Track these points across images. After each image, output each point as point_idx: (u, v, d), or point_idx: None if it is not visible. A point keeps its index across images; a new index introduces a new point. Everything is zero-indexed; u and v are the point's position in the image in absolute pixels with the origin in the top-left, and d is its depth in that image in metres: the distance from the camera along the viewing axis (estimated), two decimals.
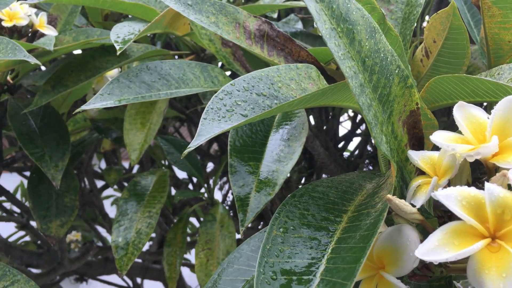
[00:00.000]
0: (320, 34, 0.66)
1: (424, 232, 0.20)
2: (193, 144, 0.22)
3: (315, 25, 0.83)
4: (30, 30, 0.60)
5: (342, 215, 0.21)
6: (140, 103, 0.51)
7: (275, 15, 0.70)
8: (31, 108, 0.49)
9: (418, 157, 0.22)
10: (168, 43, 0.81)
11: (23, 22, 0.57)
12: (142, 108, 0.50)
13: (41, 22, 0.59)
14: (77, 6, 0.64)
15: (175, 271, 0.52)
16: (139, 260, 1.58)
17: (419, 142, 0.26)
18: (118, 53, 0.38)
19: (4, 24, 0.56)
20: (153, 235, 1.36)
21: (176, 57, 0.62)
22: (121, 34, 0.42)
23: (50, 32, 0.60)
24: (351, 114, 1.04)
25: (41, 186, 0.56)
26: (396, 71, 0.22)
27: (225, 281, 0.28)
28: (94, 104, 0.35)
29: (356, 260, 0.17)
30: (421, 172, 0.23)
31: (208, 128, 0.23)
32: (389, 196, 0.18)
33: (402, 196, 0.22)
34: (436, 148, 0.23)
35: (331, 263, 0.18)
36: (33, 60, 0.40)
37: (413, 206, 0.20)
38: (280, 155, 0.35)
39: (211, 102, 0.25)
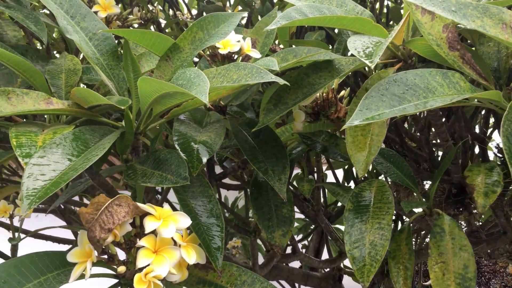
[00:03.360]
0: None
1: None
2: None
3: None
4: (237, 55, 0.66)
5: None
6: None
7: None
8: (260, 127, 0.53)
9: None
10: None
11: (236, 48, 0.62)
12: None
13: (248, 46, 0.64)
14: (274, 29, 0.68)
15: (406, 283, 0.51)
16: (297, 267, 1.62)
17: None
18: (372, 66, 0.39)
19: (220, 51, 0.62)
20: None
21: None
22: (358, 48, 0.43)
23: (256, 55, 0.65)
24: None
25: (260, 198, 0.60)
26: None
27: None
28: (357, 120, 0.36)
29: None
30: None
31: None
32: None
33: None
34: None
35: None
36: (281, 81, 0.43)
37: None
38: None
39: None
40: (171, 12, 1.39)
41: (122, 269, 0.42)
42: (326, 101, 0.59)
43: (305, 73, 0.55)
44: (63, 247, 1.13)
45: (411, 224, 0.56)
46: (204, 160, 0.51)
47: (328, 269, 1.48)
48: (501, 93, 0.40)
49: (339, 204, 1.42)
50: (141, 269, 0.42)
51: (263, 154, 0.57)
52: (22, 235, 0.92)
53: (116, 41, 0.82)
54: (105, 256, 0.44)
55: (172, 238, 0.44)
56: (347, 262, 1.68)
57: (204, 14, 1.27)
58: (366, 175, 0.82)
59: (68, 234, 1.20)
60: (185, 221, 0.45)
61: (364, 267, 0.46)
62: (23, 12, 0.65)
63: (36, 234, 1.04)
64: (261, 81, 0.44)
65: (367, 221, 0.49)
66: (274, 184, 0.54)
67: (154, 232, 0.44)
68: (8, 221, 1.15)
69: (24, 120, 0.57)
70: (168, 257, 0.43)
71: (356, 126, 0.51)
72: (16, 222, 0.99)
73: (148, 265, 0.42)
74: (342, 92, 0.62)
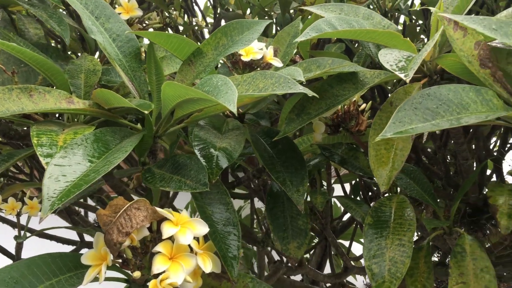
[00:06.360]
0: None
1: None
2: None
3: None
4: (259, 63, 0.65)
5: None
6: (381, 129, 0.50)
7: None
8: (281, 136, 0.52)
9: None
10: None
11: (258, 56, 0.62)
12: None
13: (270, 55, 0.64)
14: (295, 38, 0.68)
15: None
16: (299, 279, 1.60)
17: None
18: (407, 80, 0.38)
19: (243, 58, 0.62)
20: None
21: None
22: (390, 61, 0.42)
23: (277, 64, 0.64)
24: None
25: (276, 208, 0.59)
26: None
27: None
28: (389, 132, 0.35)
29: None
30: None
31: None
32: None
33: None
34: None
35: None
36: (310, 93, 0.43)
37: None
38: None
39: None
40: (186, 18, 1.40)
41: (137, 274, 0.41)
42: (347, 113, 0.59)
43: (329, 84, 0.55)
44: (67, 248, 1.12)
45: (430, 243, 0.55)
46: (224, 167, 0.50)
47: (329, 284, 1.46)
48: None
49: (344, 218, 1.41)
50: (155, 275, 0.41)
51: (281, 164, 0.56)
52: (28, 234, 0.91)
53: None
54: (120, 260, 0.43)
55: (188, 245, 0.43)
56: (350, 278, 1.65)
57: (223, 21, 1.27)
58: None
59: (72, 235, 1.19)
60: (203, 228, 0.44)
61: (383, 283, 0.44)
62: (47, 11, 0.64)
63: (40, 234, 1.03)
64: (288, 91, 0.43)
65: (387, 236, 0.48)
66: (292, 195, 0.53)
67: (170, 238, 0.43)
68: (9, 218, 1.14)
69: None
70: (184, 265, 0.42)
71: (380, 140, 0.50)
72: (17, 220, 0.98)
73: (164, 271, 0.41)
74: (363, 105, 0.61)
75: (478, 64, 0.45)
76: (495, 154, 0.82)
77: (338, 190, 1.26)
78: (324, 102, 0.53)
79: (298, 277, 1.79)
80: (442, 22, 0.45)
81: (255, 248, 1.35)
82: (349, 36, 0.48)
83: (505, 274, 0.74)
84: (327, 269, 1.56)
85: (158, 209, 0.43)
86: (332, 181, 1.32)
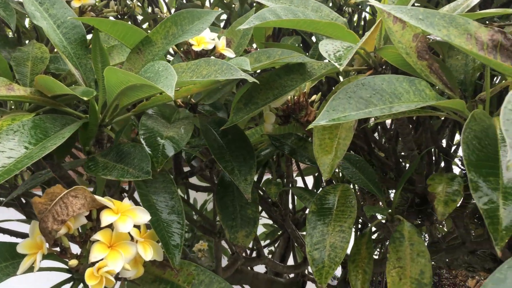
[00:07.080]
0: None
1: None
2: None
3: None
4: (210, 53, 0.65)
5: None
6: None
7: None
8: (229, 125, 0.52)
9: None
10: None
11: (210, 46, 0.62)
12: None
13: (222, 45, 0.64)
14: (250, 30, 0.68)
15: (364, 287, 0.51)
16: (262, 271, 1.61)
17: None
18: (341, 69, 0.39)
19: (194, 48, 0.61)
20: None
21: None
22: (329, 51, 0.43)
23: (230, 54, 0.64)
24: None
25: (226, 198, 0.59)
26: None
27: None
28: (323, 120, 0.36)
29: None
30: None
31: None
32: None
33: None
34: None
35: None
36: (251, 79, 0.43)
37: None
38: None
39: None
40: (149, 9, 1.38)
41: (73, 262, 0.41)
42: (297, 104, 0.60)
43: (277, 75, 0.55)
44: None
45: (373, 231, 0.57)
46: (170, 155, 0.50)
47: (293, 275, 1.48)
48: (464, 102, 0.41)
49: (307, 210, 1.43)
50: (94, 264, 0.41)
51: (230, 153, 0.56)
52: None
53: (89, 35, 0.80)
54: (57, 249, 0.42)
55: (129, 233, 0.43)
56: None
57: None
58: (334, 181, 0.83)
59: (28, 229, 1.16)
60: (144, 216, 0.44)
61: (322, 268, 0.45)
62: None
63: None
64: (230, 77, 0.43)
65: (329, 223, 0.49)
66: (239, 184, 0.53)
67: (111, 227, 0.43)
68: None
69: None
70: (123, 253, 0.41)
71: (324, 130, 0.51)
72: None
73: (102, 259, 0.41)
74: (314, 97, 0.62)
75: (416, 56, 0.46)
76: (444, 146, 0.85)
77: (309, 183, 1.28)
78: (271, 92, 0.54)
79: (262, 269, 1.81)
80: (382, 15, 0.46)
81: None
82: (293, 25, 0.48)
83: (447, 260, 0.77)
84: (291, 261, 1.58)
85: (97, 197, 0.42)
86: (295, 174, 1.33)
